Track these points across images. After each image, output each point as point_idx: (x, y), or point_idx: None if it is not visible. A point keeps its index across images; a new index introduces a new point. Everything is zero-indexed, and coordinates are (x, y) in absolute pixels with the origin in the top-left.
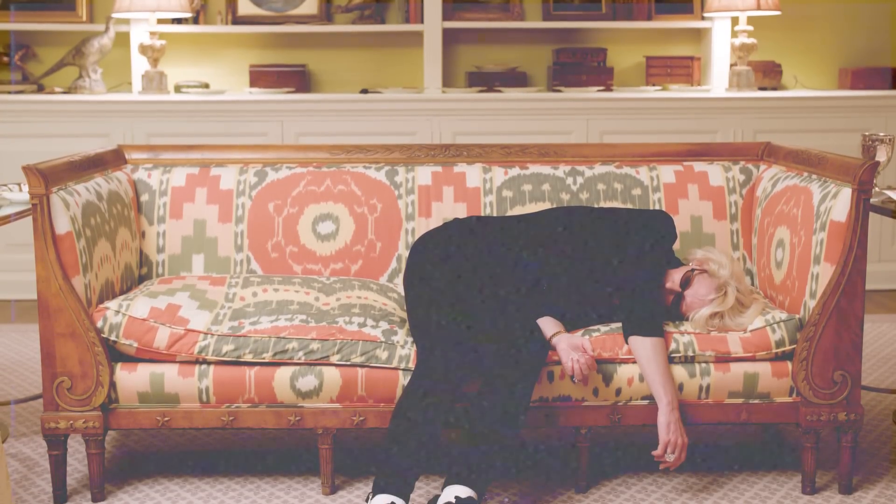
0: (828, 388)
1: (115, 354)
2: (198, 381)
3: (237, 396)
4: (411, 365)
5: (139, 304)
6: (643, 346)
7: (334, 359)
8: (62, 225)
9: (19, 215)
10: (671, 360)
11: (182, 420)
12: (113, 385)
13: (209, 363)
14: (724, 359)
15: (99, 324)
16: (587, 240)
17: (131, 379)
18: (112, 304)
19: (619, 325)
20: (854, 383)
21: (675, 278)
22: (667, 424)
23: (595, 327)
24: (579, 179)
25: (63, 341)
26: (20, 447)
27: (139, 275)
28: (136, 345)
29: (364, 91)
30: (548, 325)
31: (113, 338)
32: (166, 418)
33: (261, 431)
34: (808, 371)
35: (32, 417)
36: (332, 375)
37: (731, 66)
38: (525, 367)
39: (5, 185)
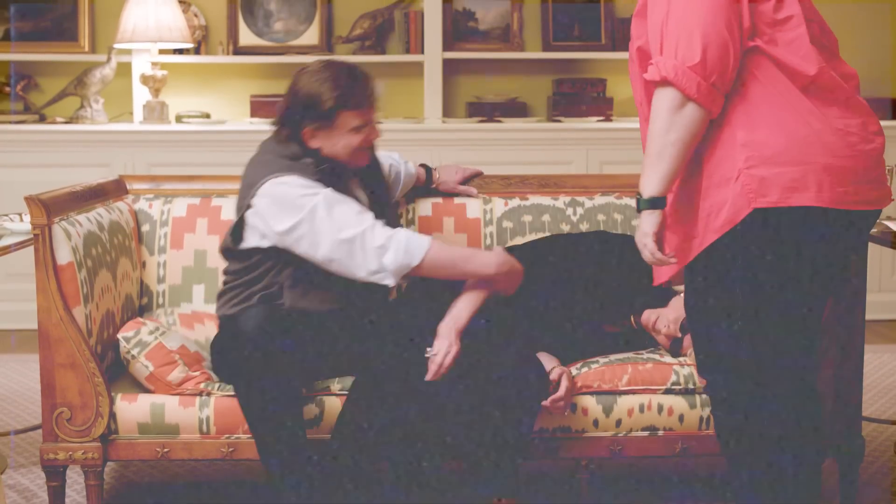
0: (829, 419)
1: (115, 374)
2: (198, 412)
3: (237, 427)
4: None
5: (174, 337)
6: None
7: (335, 388)
8: (63, 255)
9: (20, 245)
10: (671, 391)
11: (182, 451)
12: (113, 416)
13: (210, 394)
14: None
15: (129, 333)
16: (573, 270)
17: (131, 409)
18: (150, 324)
19: (619, 356)
20: (855, 414)
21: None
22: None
23: (594, 359)
24: (579, 210)
25: (63, 372)
26: (19, 478)
27: (139, 305)
28: (151, 368)
29: None
30: (544, 360)
31: (134, 353)
32: (166, 449)
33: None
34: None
35: (31, 448)
36: (332, 404)
37: None
38: (528, 398)
39: (6, 215)
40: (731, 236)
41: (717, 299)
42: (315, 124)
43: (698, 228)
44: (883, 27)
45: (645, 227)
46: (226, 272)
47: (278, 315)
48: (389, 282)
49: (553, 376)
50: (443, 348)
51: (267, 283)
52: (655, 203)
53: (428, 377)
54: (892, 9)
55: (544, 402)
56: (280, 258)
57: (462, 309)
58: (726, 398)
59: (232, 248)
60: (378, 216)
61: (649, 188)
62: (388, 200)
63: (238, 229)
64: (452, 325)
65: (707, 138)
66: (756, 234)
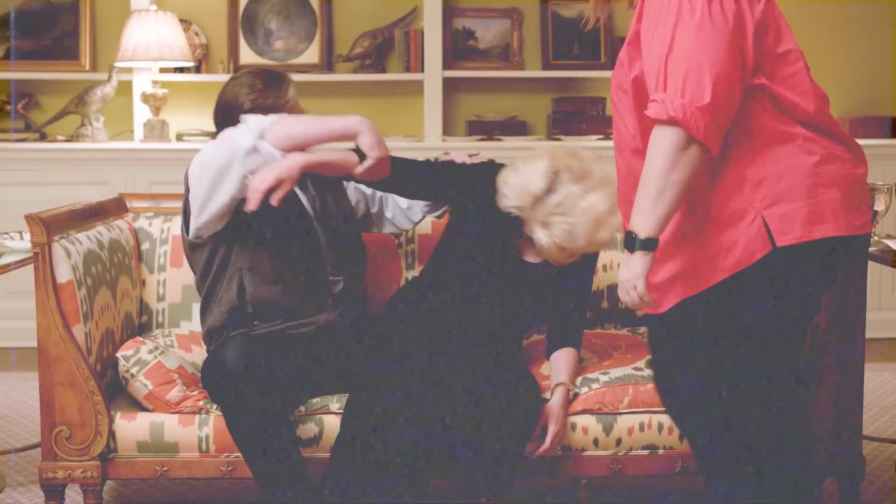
0: (829, 438)
1: (114, 392)
2: (198, 430)
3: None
4: None
5: (172, 357)
6: (572, 354)
7: (334, 407)
8: (63, 273)
9: (20, 263)
10: None
11: (181, 470)
12: (112, 434)
13: (209, 412)
14: None
15: (128, 352)
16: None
17: (130, 428)
18: (149, 343)
19: (618, 374)
20: (856, 433)
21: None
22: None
23: (594, 377)
24: None
25: (62, 390)
26: (18, 497)
27: (139, 323)
28: (150, 387)
29: None
30: (560, 369)
31: (133, 371)
32: (165, 468)
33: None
34: (809, 421)
35: (30, 467)
36: (332, 423)
37: None
38: (519, 423)
39: (7, 234)
40: (740, 276)
41: (714, 341)
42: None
43: (696, 267)
44: (883, 46)
45: (638, 269)
46: (197, 286)
47: (259, 341)
48: (260, 144)
49: (537, 428)
50: (265, 175)
51: (230, 276)
52: (651, 244)
53: (246, 207)
54: (892, 28)
55: (536, 453)
56: (225, 238)
57: (319, 154)
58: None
59: (188, 244)
60: (326, 229)
61: (647, 228)
62: (341, 216)
63: (186, 220)
64: (300, 157)
65: (706, 175)
66: (772, 272)
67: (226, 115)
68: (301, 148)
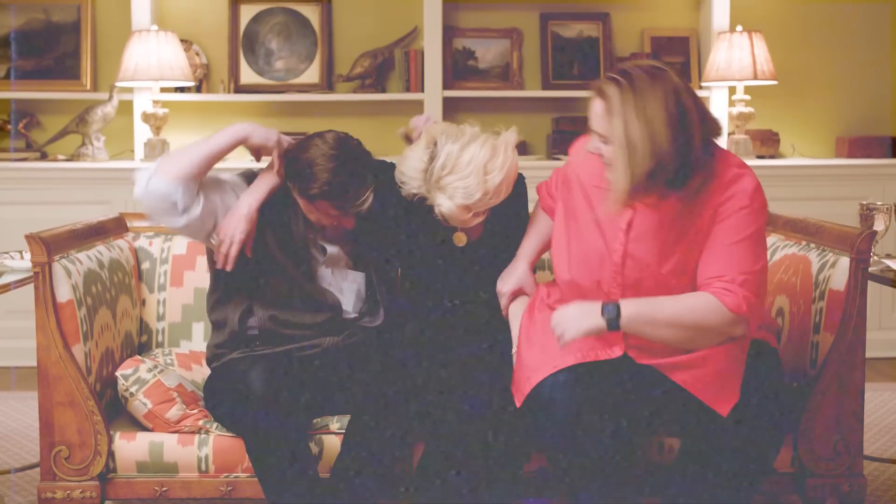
0: (830, 459)
1: (113, 412)
2: (197, 450)
3: (236, 465)
4: None
5: (172, 375)
6: None
7: (334, 426)
8: (63, 293)
9: (20, 283)
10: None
11: (180, 490)
12: (111, 454)
13: (209, 433)
14: None
15: (128, 371)
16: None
17: (130, 448)
18: (148, 362)
19: None
20: (856, 453)
21: None
22: None
23: None
24: None
25: (62, 410)
26: None
27: (139, 343)
28: (149, 406)
29: None
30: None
31: (133, 390)
32: (164, 488)
33: (260, 502)
34: (810, 441)
35: (29, 487)
36: (332, 443)
37: (729, 134)
38: (518, 439)
39: (7, 253)
40: None
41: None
42: (297, 188)
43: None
44: (883, 66)
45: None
46: (207, 296)
47: (273, 361)
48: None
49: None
50: (228, 235)
51: (240, 300)
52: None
53: (219, 265)
54: (892, 49)
55: None
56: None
57: (257, 189)
58: None
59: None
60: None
61: (633, 328)
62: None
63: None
64: (245, 207)
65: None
66: None
67: (296, 175)
68: (201, 172)
